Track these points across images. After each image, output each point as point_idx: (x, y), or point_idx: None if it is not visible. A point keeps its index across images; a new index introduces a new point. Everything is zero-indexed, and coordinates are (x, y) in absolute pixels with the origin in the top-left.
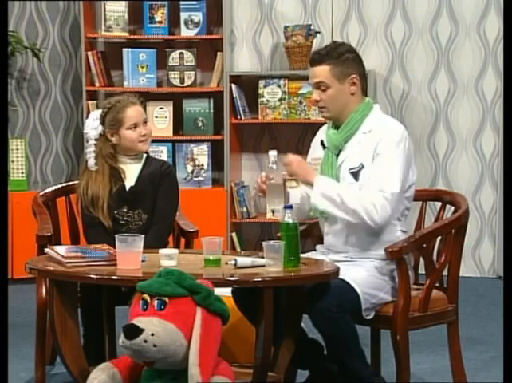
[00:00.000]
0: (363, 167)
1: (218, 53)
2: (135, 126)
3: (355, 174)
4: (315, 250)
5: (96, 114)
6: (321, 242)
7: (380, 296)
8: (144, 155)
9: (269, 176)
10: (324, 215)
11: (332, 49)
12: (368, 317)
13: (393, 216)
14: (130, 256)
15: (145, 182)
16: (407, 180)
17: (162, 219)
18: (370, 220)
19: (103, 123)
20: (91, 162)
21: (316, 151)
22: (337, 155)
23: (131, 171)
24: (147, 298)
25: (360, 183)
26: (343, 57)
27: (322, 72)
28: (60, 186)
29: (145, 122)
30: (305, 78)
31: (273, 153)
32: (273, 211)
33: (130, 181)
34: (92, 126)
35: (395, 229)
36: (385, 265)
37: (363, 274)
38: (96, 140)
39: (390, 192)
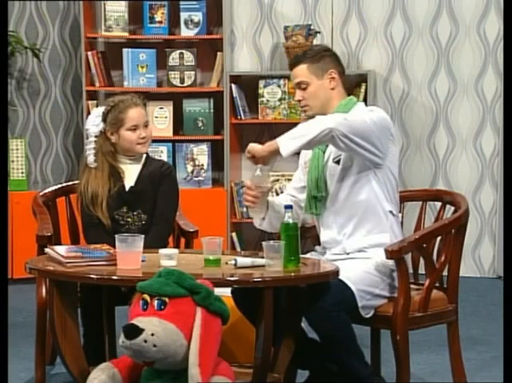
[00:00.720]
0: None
1: (218, 53)
2: (135, 128)
3: (338, 161)
4: (314, 250)
5: (99, 111)
6: (320, 244)
7: (375, 292)
8: (144, 155)
9: (256, 185)
10: (315, 212)
11: (309, 50)
12: (368, 316)
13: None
14: (130, 256)
15: (145, 182)
16: (381, 142)
17: (162, 220)
18: (327, 123)
19: (104, 120)
20: (90, 158)
21: (308, 153)
22: (324, 152)
23: (130, 172)
24: (147, 298)
25: (340, 168)
26: (319, 54)
27: (301, 71)
28: (60, 186)
29: (146, 125)
30: None
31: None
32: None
33: (129, 181)
34: (94, 122)
35: (383, 208)
36: (381, 260)
37: (357, 271)
38: (96, 136)
39: (349, 116)
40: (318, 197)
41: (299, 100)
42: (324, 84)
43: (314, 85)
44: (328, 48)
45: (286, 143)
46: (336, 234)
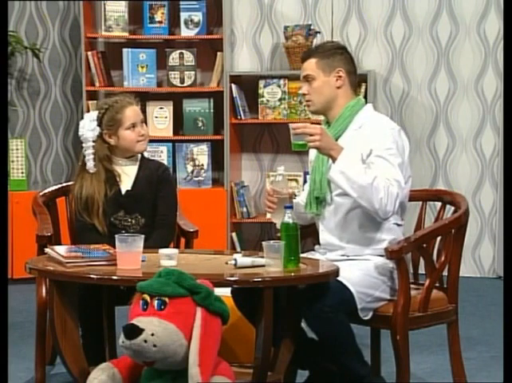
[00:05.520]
0: None
1: (218, 53)
2: (133, 126)
3: None
4: (314, 250)
5: (92, 115)
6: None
7: (375, 295)
8: (139, 156)
9: (276, 190)
10: (316, 212)
11: (321, 45)
12: (366, 318)
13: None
14: (130, 256)
15: (142, 185)
16: (404, 173)
17: (165, 225)
18: (382, 211)
19: (100, 124)
20: (90, 164)
21: (313, 152)
22: None
23: (126, 175)
24: (147, 298)
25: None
26: (330, 51)
27: (309, 65)
28: (60, 186)
29: (142, 122)
30: None
31: (281, 168)
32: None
33: (126, 185)
34: (89, 127)
35: (387, 222)
36: (382, 263)
37: (357, 273)
38: (93, 141)
39: (396, 182)
40: (320, 198)
41: (304, 94)
42: (330, 82)
43: (320, 81)
44: (342, 46)
45: (338, 175)
46: (337, 239)
